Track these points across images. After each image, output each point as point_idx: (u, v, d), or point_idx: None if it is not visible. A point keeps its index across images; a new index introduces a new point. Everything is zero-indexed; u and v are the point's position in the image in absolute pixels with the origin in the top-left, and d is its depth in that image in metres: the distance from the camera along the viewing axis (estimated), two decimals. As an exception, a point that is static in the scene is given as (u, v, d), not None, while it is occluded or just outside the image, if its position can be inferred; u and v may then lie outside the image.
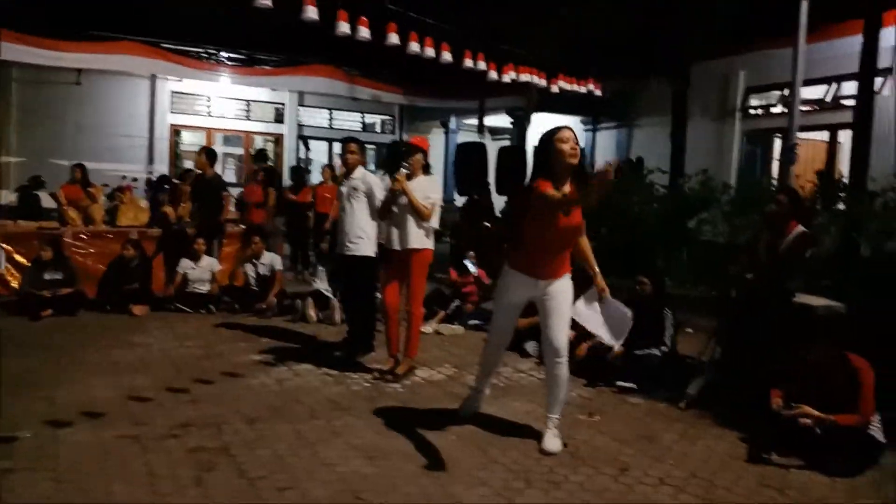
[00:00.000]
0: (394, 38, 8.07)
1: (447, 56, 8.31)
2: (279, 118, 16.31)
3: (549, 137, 3.74)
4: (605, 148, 14.74)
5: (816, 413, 3.75)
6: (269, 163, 9.74)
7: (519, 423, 4.35)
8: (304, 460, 3.70)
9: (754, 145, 12.33)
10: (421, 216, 4.99)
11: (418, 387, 5.11)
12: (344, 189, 5.62)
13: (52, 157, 12.65)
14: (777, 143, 11.30)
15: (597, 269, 4.08)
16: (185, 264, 7.64)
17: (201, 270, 7.61)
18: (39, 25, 11.16)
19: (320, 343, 6.33)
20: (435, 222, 5.10)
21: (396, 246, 5.08)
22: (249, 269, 7.65)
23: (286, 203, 10.23)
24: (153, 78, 14.56)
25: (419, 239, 5.03)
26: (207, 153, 7.89)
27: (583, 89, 10.92)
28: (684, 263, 8.09)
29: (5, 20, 10.05)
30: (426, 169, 5.23)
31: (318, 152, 16.31)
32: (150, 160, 14.69)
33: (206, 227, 7.78)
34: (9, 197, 11.35)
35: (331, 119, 16.99)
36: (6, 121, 13.22)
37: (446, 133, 17.07)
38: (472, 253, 7.41)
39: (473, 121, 15.51)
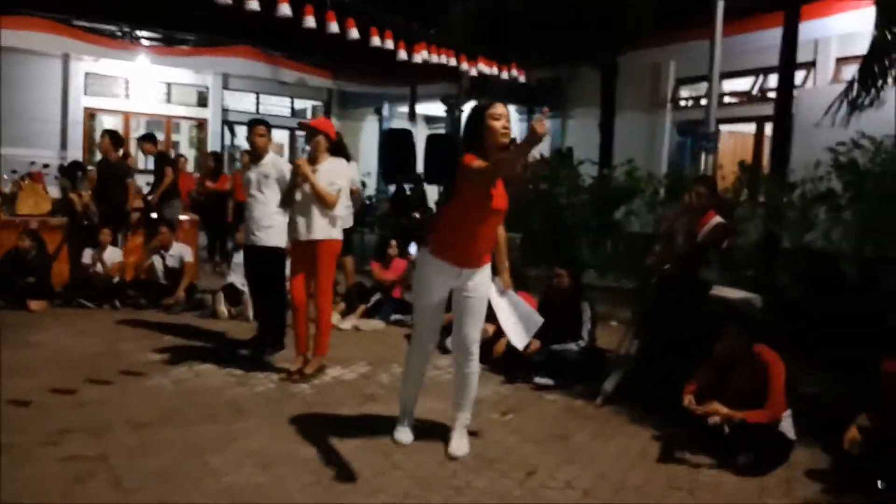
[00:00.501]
0: (286, 11, 7.46)
1: (354, 34, 7.88)
2: (202, 102, 15.65)
3: (481, 112, 3.46)
4: (539, 137, 14.67)
5: (725, 410, 3.66)
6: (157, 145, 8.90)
7: (430, 424, 4.12)
8: (190, 469, 3.41)
9: (684, 136, 12.46)
10: (324, 203, 4.68)
11: (328, 387, 4.85)
12: (253, 175, 5.30)
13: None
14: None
15: (506, 263, 3.89)
16: (89, 255, 7.16)
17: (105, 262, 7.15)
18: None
19: (229, 341, 5.98)
20: (340, 209, 4.80)
21: (301, 236, 4.79)
22: (157, 261, 7.21)
23: (204, 191, 9.78)
24: (65, 57, 13.73)
25: (324, 228, 4.73)
26: (111, 136, 7.40)
27: (505, 74, 10.68)
28: (610, 255, 8.04)
29: None
30: (337, 152, 4.95)
31: (245, 138, 15.73)
32: (63, 145, 13.87)
33: (110, 215, 7.30)
34: None
35: (258, 103, 16.40)
36: None
37: (380, 120, 16.73)
38: (393, 242, 7.15)
39: (407, 108, 15.21)
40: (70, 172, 10.49)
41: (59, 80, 13.93)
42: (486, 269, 3.73)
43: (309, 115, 17.47)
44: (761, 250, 6.71)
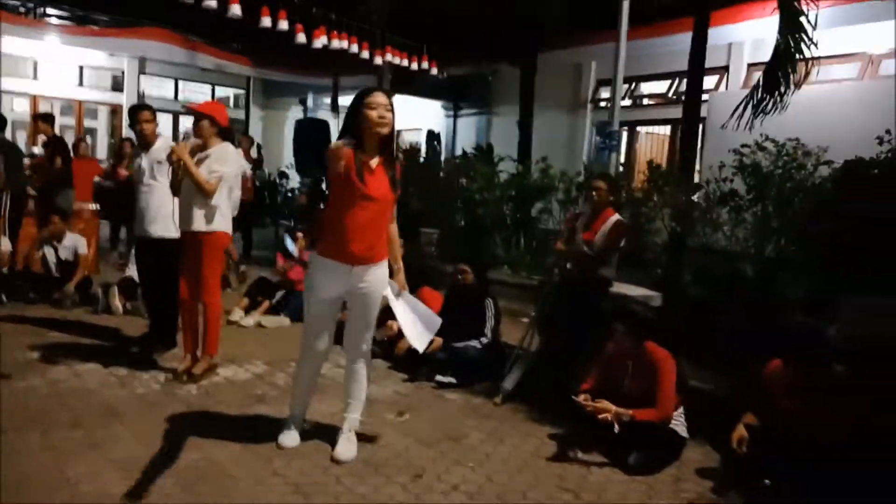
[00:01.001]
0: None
1: (236, 10, 7.54)
2: (117, 86, 14.91)
3: (359, 101, 3.34)
4: (465, 134, 14.63)
5: (614, 408, 3.63)
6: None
7: (322, 427, 3.93)
8: (45, 477, 3.16)
9: (602, 136, 12.60)
10: (202, 192, 4.40)
11: (217, 388, 4.60)
12: (144, 163, 5.00)
13: None
14: (625, 136, 11.60)
15: (400, 264, 3.75)
16: (-28, 245, 6.68)
17: (-10, 253, 6.66)
18: None
19: (120, 338, 5.64)
20: (220, 199, 4.50)
21: (181, 226, 4.53)
22: (49, 252, 6.76)
23: (115, 177, 9.27)
24: (-37, 34, 12.85)
25: (202, 219, 4.45)
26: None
27: (415, 65, 10.50)
28: (523, 251, 8.03)
29: None
30: (228, 137, 4.71)
31: (163, 125, 15.10)
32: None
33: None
34: None
35: (177, 90, 15.75)
36: None
37: (304, 111, 16.36)
38: (299, 235, 6.90)
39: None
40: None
41: (-43, 57, 13.01)
42: (381, 267, 3.58)
43: (231, 103, 16.91)
44: (667, 249, 6.79)
